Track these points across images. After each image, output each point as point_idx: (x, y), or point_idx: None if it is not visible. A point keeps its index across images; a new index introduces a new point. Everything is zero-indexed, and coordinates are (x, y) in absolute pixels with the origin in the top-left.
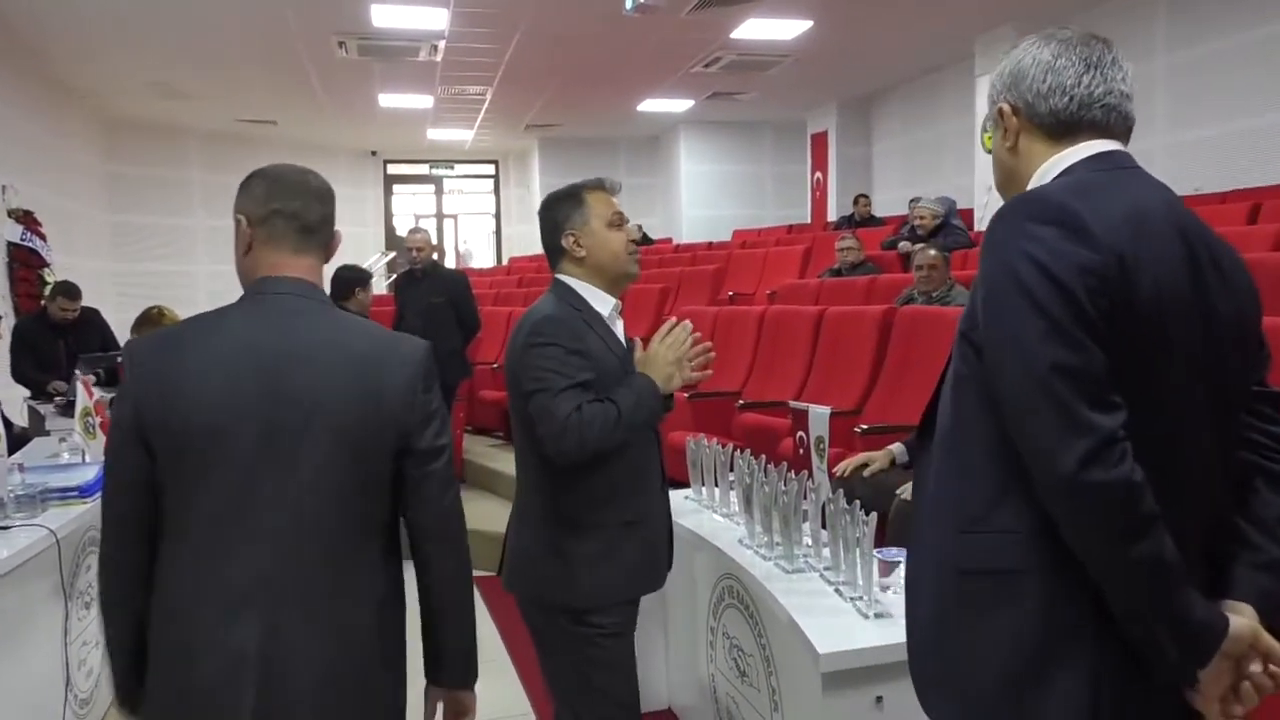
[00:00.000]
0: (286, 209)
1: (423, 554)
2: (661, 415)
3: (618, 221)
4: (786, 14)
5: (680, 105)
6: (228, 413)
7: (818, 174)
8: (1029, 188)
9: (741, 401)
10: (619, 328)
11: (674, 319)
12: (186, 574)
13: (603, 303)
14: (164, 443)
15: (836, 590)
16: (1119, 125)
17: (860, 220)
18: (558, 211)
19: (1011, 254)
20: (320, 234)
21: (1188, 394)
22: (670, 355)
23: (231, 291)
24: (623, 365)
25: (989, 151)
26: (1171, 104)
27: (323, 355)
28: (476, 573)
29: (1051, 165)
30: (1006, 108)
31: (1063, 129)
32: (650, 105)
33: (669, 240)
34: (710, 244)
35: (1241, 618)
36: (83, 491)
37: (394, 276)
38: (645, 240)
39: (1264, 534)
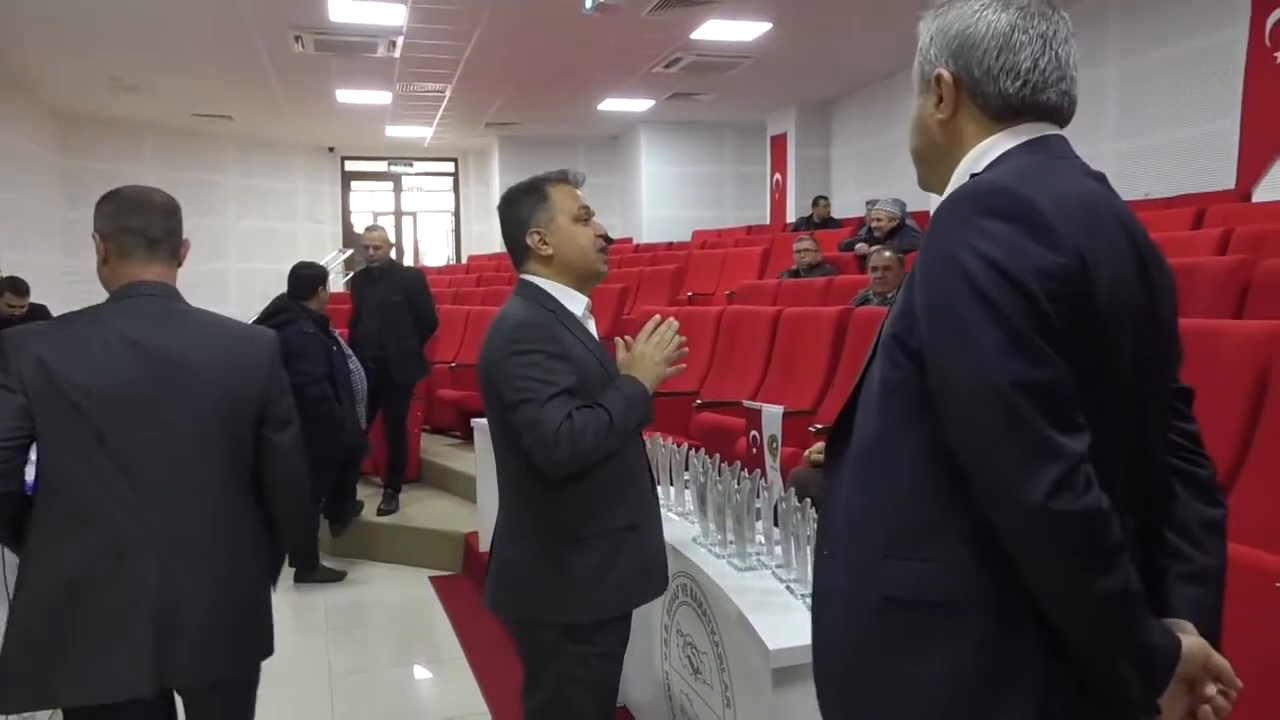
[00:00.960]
0: (133, 226)
1: (272, 497)
2: (651, 418)
3: (584, 216)
4: (746, 16)
5: (641, 105)
6: (119, 384)
7: (777, 175)
8: (957, 171)
9: (699, 401)
10: (592, 326)
11: (658, 316)
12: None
13: (575, 302)
14: (53, 410)
15: (788, 588)
16: (1069, 110)
17: (819, 222)
18: (520, 208)
19: (961, 252)
20: (166, 245)
21: (1136, 400)
22: (658, 355)
23: (184, 290)
24: (602, 365)
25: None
26: (1122, 110)
27: (192, 341)
28: (433, 572)
29: (986, 148)
30: (948, 76)
31: (1008, 112)
32: (611, 104)
33: (629, 240)
34: (670, 244)
35: (1191, 637)
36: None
37: (350, 274)
38: (606, 240)
39: (1189, 543)
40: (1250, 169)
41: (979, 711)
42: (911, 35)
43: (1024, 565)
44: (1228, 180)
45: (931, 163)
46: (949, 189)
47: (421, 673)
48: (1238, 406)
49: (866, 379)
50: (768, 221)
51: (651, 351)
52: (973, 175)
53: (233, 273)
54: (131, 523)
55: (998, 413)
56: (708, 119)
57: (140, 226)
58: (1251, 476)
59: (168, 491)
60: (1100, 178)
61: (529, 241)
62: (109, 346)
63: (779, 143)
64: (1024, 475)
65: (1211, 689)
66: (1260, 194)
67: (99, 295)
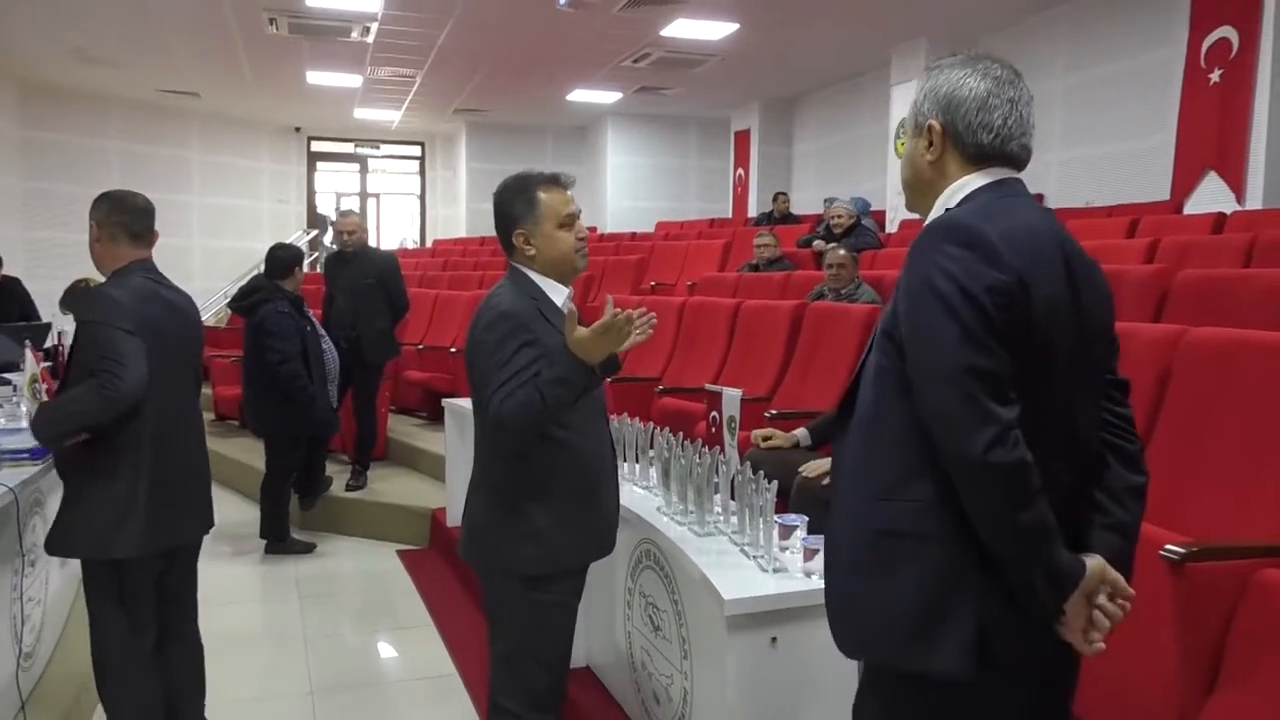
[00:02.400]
0: (123, 221)
1: None
2: (595, 384)
3: (569, 222)
4: (714, 15)
5: (609, 97)
6: (171, 330)
7: (740, 171)
8: (937, 202)
9: (661, 387)
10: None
11: (617, 311)
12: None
13: (557, 292)
14: (153, 348)
15: (742, 550)
16: (1025, 158)
17: (779, 217)
18: (511, 206)
19: (932, 270)
20: (145, 236)
21: (1066, 388)
22: (607, 349)
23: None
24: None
25: (900, 156)
26: (1067, 122)
27: (185, 302)
28: (400, 546)
29: (961, 186)
30: (938, 126)
31: (981, 158)
32: (579, 95)
33: (594, 229)
34: (634, 234)
35: (1093, 559)
36: (33, 455)
37: (316, 255)
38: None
39: (1113, 500)
40: (1183, 183)
41: (934, 613)
42: (871, 38)
43: (969, 502)
44: (1163, 192)
45: (918, 191)
46: (931, 215)
47: (392, 637)
48: (1143, 401)
49: (866, 364)
50: (730, 215)
51: (603, 345)
52: (948, 209)
53: (196, 249)
54: (190, 427)
55: (953, 388)
56: (674, 113)
57: (127, 222)
58: (1152, 462)
59: (193, 405)
60: (1048, 213)
61: (514, 241)
62: (161, 302)
63: (742, 138)
64: (970, 435)
65: (1103, 597)
66: (1191, 207)
67: (58, 269)
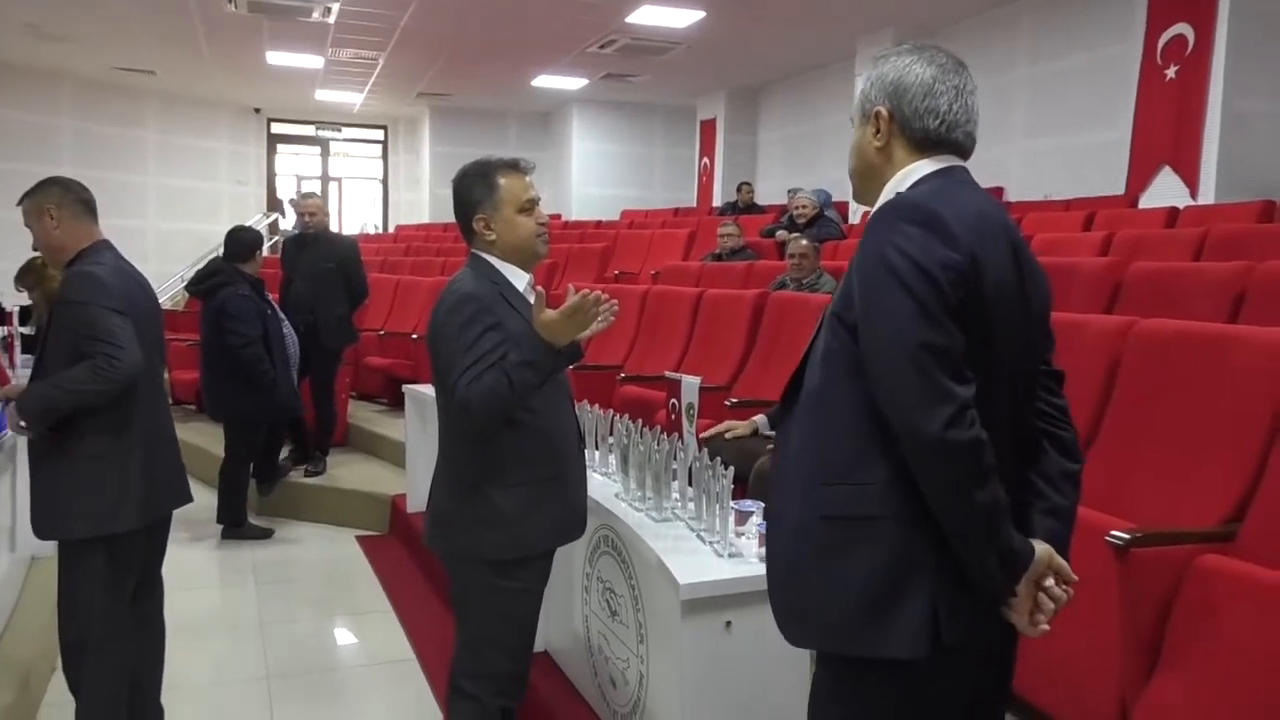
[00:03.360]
0: (81, 199)
1: None
2: (560, 367)
3: (529, 207)
4: (680, 3)
5: (574, 83)
6: (148, 309)
7: (705, 159)
8: (886, 188)
9: (622, 375)
10: (533, 298)
11: (584, 292)
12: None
13: (518, 278)
14: (136, 324)
15: (698, 536)
16: (969, 147)
17: (743, 207)
18: (470, 191)
19: (887, 248)
20: (97, 216)
21: (1009, 373)
22: (574, 332)
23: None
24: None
25: None
26: (1029, 114)
27: (147, 281)
28: (360, 532)
29: (910, 172)
30: (885, 112)
31: (928, 144)
32: (544, 81)
33: (558, 217)
34: (599, 222)
35: (1041, 545)
36: None
37: (274, 239)
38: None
39: (1050, 486)
40: (1139, 177)
41: (888, 596)
42: (836, 29)
43: (924, 482)
44: (1120, 186)
45: (866, 178)
46: (879, 201)
47: (350, 622)
48: (1093, 390)
49: (813, 346)
50: (695, 204)
51: (569, 328)
52: (898, 193)
53: (152, 231)
54: (165, 401)
55: (909, 365)
56: (639, 100)
57: (86, 199)
58: (1099, 451)
59: (163, 380)
60: (994, 200)
61: (475, 226)
62: (135, 279)
63: (708, 127)
64: (926, 413)
65: (1050, 581)
66: (1146, 201)
67: (9, 248)
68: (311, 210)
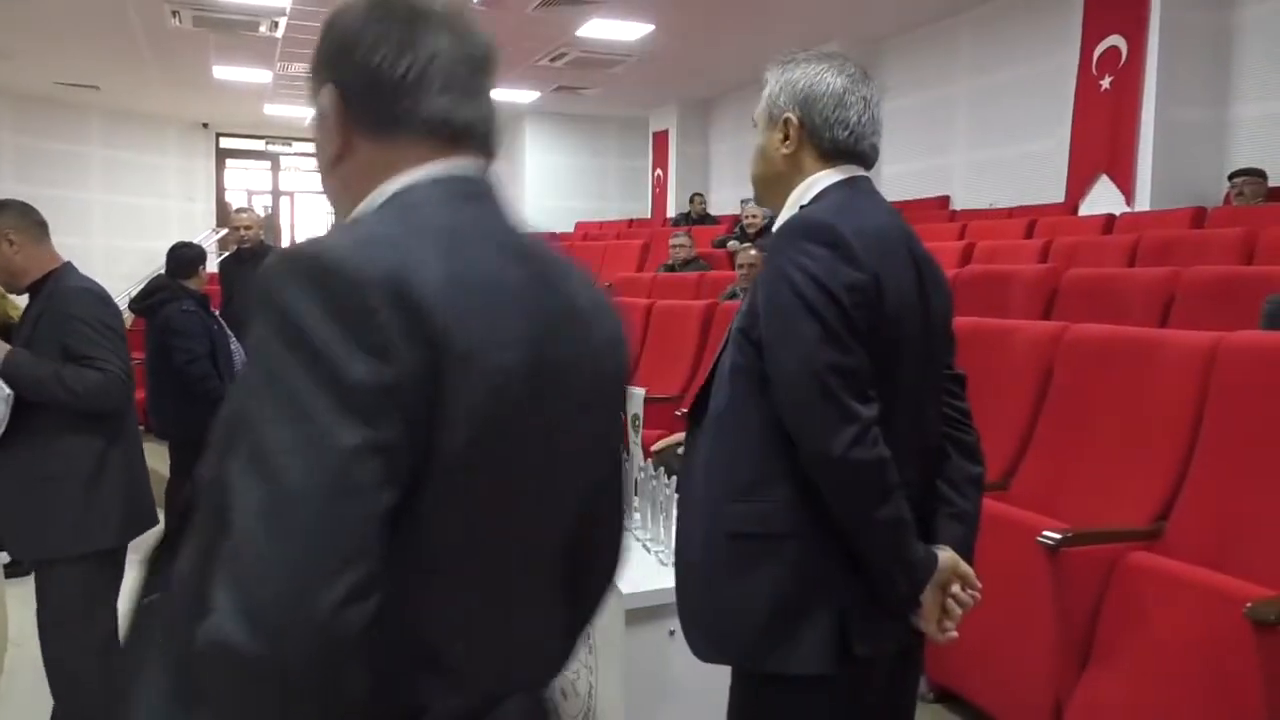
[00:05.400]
0: (37, 222)
1: None
2: None
3: None
4: (629, 16)
5: (526, 96)
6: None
7: (659, 171)
8: (790, 198)
9: None
10: None
11: None
12: None
13: None
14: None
15: (644, 545)
16: (874, 158)
17: (696, 218)
18: None
19: (791, 269)
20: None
21: (914, 385)
22: None
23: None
24: None
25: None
26: (971, 125)
27: None
28: None
29: (814, 182)
30: (795, 120)
31: (835, 154)
32: (496, 94)
33: None
34: (553, 234)
35: (945, 552)
36: None
37: (224, 254)
38: None
39: (954, 490)
40: (1077, 185)
41: (795, 612)
42: (783, 42)
43: (829, 499)
44: (1061, 195)
45: (771, 184)
46: (785, 210)
47: None
48: (1027, 395)
49: (720, 363)
50: (649, 215)
51: None
52: (801, 206)
53: (98, 249)
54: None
55: (814, 387)
56: (593, 113)
57: (41, 221)
58: (1036, 455)
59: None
60: (895, 211)
61: None
62: (107, 297)
63: (661, 139)
64: (832, 433)
65: (957, 588)
66: (1085, 208)
67: None
68: (246, 224)
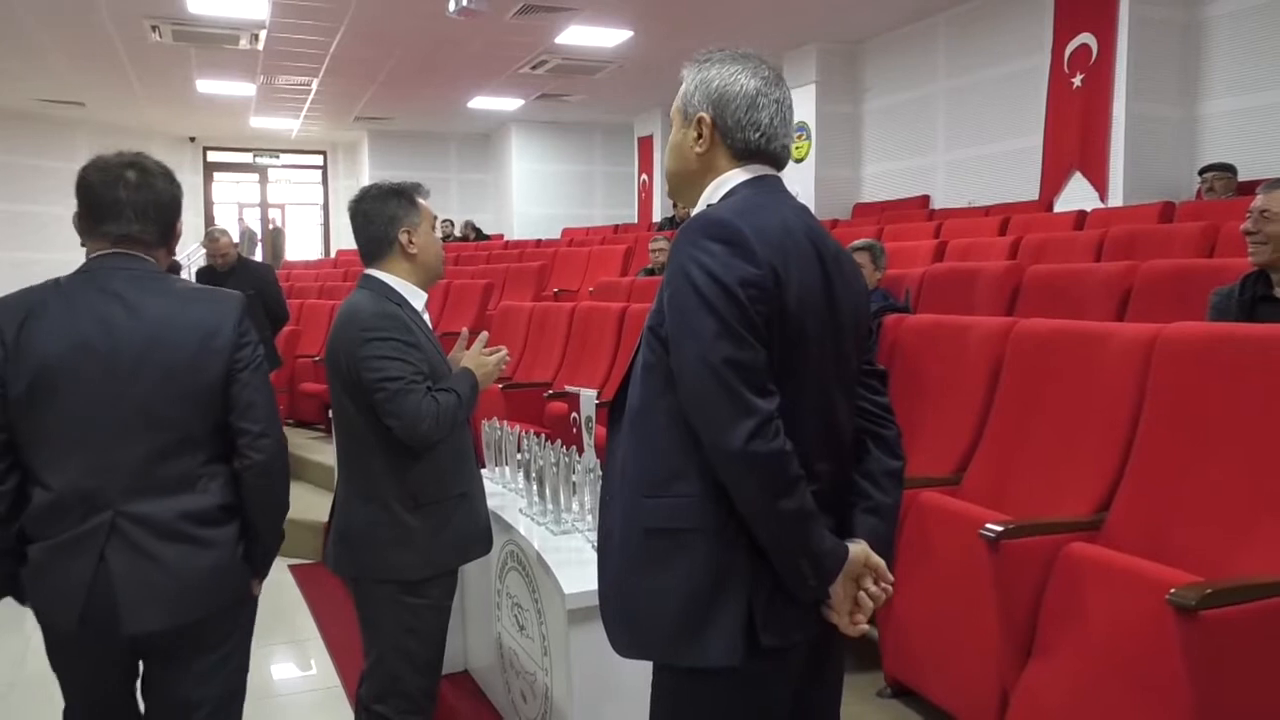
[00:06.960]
0: None
1: None
2: (476, 402)
3: (432, 227)
4: (607, 23)
5: (511, 104)
6: None
7: (644, 176)
8: (701, 196)
9: (550, 391)
10: (427, 319)
11: (499, 348)
12: None
13: (416, 297)
14: None
15: (594, 546)
16: (785, 159)
17: (679, 222)
18: (392, 206)
19: (690, 265)
20: None
21: (822, 378)
22: (489, 367)
23: (23, 278)
24: (438, 352)
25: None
26: (949, 125)
27: None
28: (293, 561)
29: (724, 180)
30: (708, 119)
31: (747, 154)
32: (481, 103)
33: (500, 237)
34: (539, 241)
35: (856, 545)
36: None
37: (200, 267)
38: (480, 235)
39: (872, 485)
40: (1052, 182)
41: (707, 603)
42: (761, 46)
43: (733, 493)
44: (1035, 192)
45: (684, 181)
46: (696, 209)
47: (280, 651)
48: (978, 391)
49: (634, 361)
50: (635, 220)
51: (491, 364)
52: (710, 204)
53: None
54: None
55: (712, 380)
56: (577, 119)
57: None
58: (986, 449)
59: None
60: (803, 209)
61: (400, 238)
62: None
63: (646, 144)
64: (730, 427)
65: (869, 581)
66: (1060, 205)
67: None
68: (222, 252)
